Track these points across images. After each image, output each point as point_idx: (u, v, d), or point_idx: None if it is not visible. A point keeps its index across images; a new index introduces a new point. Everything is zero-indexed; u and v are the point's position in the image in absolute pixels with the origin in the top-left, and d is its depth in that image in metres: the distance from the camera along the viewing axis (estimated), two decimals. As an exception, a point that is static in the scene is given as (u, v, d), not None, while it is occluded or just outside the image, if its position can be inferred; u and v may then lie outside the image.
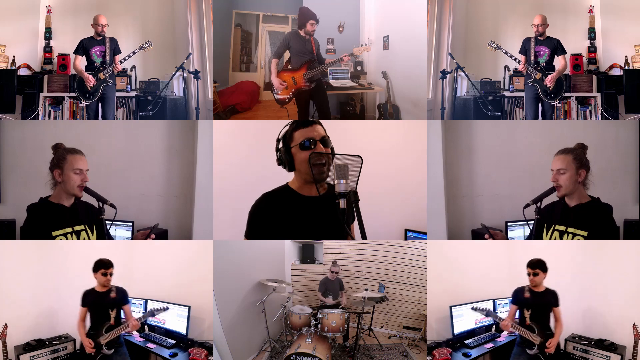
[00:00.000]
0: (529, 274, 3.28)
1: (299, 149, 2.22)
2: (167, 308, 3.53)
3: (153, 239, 2.93)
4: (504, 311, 4.13)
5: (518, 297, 3.35)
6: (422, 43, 4.92)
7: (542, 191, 2.83)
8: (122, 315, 3.37)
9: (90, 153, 2.88)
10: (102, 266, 3.28)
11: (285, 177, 2.37)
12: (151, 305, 4.02)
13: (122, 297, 3.35)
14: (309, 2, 6.23)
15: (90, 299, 3.28)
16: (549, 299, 3.29)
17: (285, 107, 5.08)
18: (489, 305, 4.10)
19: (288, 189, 2.29)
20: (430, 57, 4.99)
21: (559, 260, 3.81)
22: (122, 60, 4.49)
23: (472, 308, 3.50)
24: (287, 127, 2.29)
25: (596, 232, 2.73)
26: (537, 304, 3.27)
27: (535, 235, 2.90)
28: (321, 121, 2.34)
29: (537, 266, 3.27)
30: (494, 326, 4.04)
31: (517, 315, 3.38)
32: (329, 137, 2.29)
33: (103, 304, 3.27)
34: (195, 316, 3.84)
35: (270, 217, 2.21)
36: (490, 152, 4.62)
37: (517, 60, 4.47)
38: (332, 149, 2.25)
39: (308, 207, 2.25)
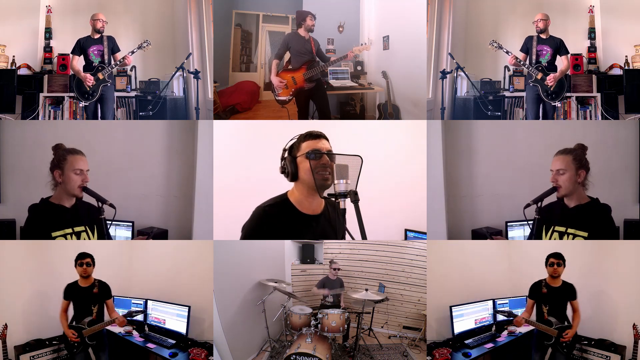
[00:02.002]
0: (552, 264, 3.30)
1: (304, 159, 2.21)
2: (144, 311, 3.76)
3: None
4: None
5: (535, 292, 3.39)
6: (422, 43, 4.92)
7: (542, 191, 2.82)
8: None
9: (90, 153, 2.89)
10: (78, 257, 3.33)
11: (284, 178, 2.36)
12: (151, 305, 4.03)
13: (104, 292, 3.41)
14: (309, 2, 6.23)
15: (73, 293, 3.34)
16: (566, 293, 3.33)
17: (285, 107, 5.08)
18: (489, 305, 4.10)
19: (287, 203, 2.25)
20: (430, 57, 4.98)
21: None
22: (131, 53, 4.44)
23: (497, 310, 3.64)
24: (295, 139, 2.29)
25: (596, 232, 2.74)
26: (554, 298, 3.31)
27: (535, 235, 2.90)
28: (321, 121, 2.36)
29: (560, 257, 3.30)
30: (494, 326, 4.04)
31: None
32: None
33: (85, 299, 3.33)
34: (195, 316, 3.85)
35: (265, 234, 2.16)
36: (490, 152, 4.61)
37: (524, 64, 4.44)
38: (334, 164, 2.19)
39: (304, 225, 2.23)
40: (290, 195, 2.27)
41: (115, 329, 3.80)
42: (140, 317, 4.01)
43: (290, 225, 2.20)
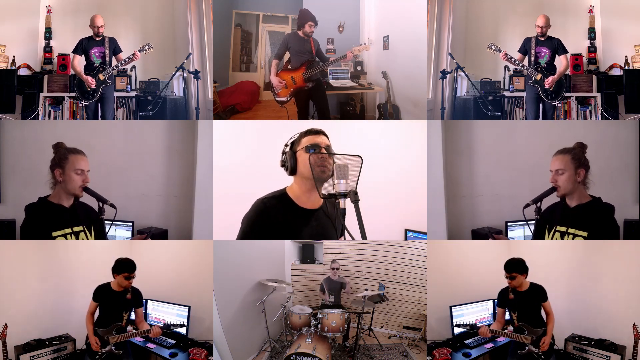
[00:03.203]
0: (506, 277, 3.19)
1: (303, 152, 2.27)
2: (184, 325, 3.60)
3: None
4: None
5: (503, 299, 3.31)
6: (422, 43, 4.92)
7: (542, 191, 2.83)
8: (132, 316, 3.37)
9: (90, 153, 2.89)
10: (126, 269, 3.19)
11: (284, 178, 2.38)
12: (151, 305, 4.03)
13: (137, 299, 3.34)
14: (309, 2, 6.23)
15: (104, 296, 3.21)
16: (535, 296, 3.20)
17: (284, 107, 5.08)
18: (489, 305, 4.11)
19: (285, 197, 2.30)
20: (430, 57, 4.98)
21: (559, 260, 3.82)
22: (140, 50, 4.43)
23: (456, 325, 3.51)
24: (297, 135, 2.37)
25: (597, 232, 2.72)
26: (522, 304, 3.20)
27: (536, 235, 2.90)
28: (321, 121, 2.39)
29: (513, 269, 3.16)
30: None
31: (508, 316, 3.36)
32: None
33: (117, 304, 3.22)
34: (195, 316, 3.85)
35: (264, 226, 2.22)
36: (490, 152, 4.61)
37: (516, 61, 4.45)
38: (333, 159, 2.26)
39: (303, 219, 2.28)
40: (289, 190, 2.32)
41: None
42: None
43: (288, 218, 2.25)
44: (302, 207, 2.29)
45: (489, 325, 3.36)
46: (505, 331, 3.22)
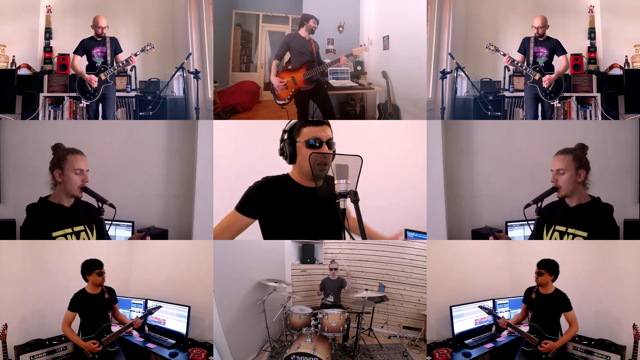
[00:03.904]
0: (535, 273, 3.18)
1: (304, 145, 2.28)
2: (160, 306, 3.57)
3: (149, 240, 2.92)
4: (504, 311, 4.14)
5: (526, 297, 3.31)
6: (422, 43, 4.92)
7: (542, 191, 2.83)
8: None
9: (90, 153, 2.89)
10: (96, 266, 3.15)
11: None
12: (151, 305, 4.03)
13: (113, 297, 3.32)
14: (309, 3, 6.24)
15: (84, 303, 3.16)
16: (556, 303, 3.16)
17: (285, 107, 5.08)
18: (488, 305, 4.10)
19: (288, 178, 2.36)
20: (430, 57, 4.99)
21: (559, 260, 3.81)
22: (135, 54, 4.43)
23: (479, 306, 3.51)
24: (297, 122, 2.36)
25: (596, 232, 2.73)
26: (541, 306, 3.18)
27: (537, 235, 2.90)
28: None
29: (543, 266, 3.14)
30: (494, 326, 4.04)
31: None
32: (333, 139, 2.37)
33: (99, 306, 3.19)
34: (195, 316, 3.85)
35: (268, 199, 2.26)
36: (490, 152, 4.61)
37: (519, 64, 4.45)
38: (334, 151, 2.28)
39: (306, 197, 2.31)
40: (291, 174, 2.39)
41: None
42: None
43: (292, 194, 2.31)
44: (304, 186, 2.35)
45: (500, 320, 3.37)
46: (517, 326, 3.22)
